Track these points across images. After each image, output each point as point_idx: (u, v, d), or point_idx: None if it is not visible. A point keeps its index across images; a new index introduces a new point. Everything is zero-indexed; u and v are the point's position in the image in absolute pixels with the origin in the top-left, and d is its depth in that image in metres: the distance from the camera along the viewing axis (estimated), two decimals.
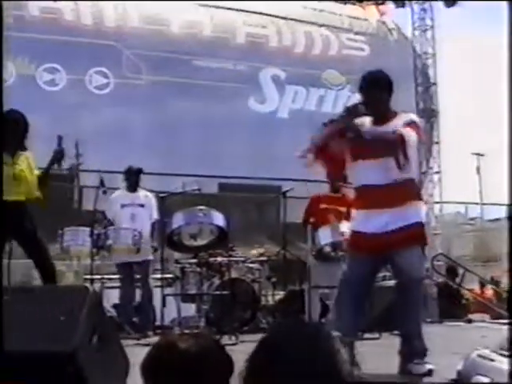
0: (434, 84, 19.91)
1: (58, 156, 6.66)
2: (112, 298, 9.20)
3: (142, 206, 9.12)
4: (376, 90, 5.04)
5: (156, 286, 8.96)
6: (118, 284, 9.31)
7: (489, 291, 14.28)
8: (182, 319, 8.61)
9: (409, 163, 4.84)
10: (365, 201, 5.12)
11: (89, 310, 3.63)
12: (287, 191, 9.30)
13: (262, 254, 10.49)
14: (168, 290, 9.10)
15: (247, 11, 17.82)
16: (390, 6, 19.40)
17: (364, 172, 5.06)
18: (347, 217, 6.77)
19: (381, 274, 12.34)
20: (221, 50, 17.40)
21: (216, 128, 16.31)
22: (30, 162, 6.64)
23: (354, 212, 5.34)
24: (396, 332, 8.19)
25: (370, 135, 4.98)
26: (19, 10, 15.58)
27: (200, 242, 8.07)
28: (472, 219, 26.45)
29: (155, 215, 9.06)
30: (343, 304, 5.26)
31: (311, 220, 8.39)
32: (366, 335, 7.84)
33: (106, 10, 16.51)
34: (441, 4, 19.22)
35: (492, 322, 10.09)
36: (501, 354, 1.66)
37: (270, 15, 18.24)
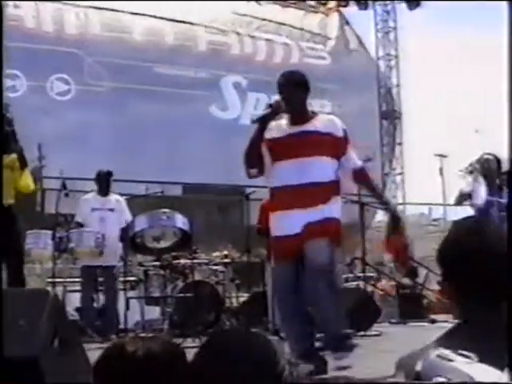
0: (397, 86, 20.12)
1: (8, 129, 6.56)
2: (75, 301, 9.14)
3: (111, 210, 9.03)
4: (292, 87, 5.00)
5: (119, 289, 8.92)
6: (80, 287, 9.24)
7: None
8: (145, 322, 8.59)
9: (326, 163, 4.89)
10: (281, 202, 5.01)
11: (50, 313, 3.60)
12: (250, 194, 9.30)
13: (225, 257, 10.50)
14: (131, 293, 9.09)
15: (207, 26, 17.93)
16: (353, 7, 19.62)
17: (281, 172, 4.97)
18: None
19: (344, 276, 12.47)
20: (182, 58, 17.45)
21: (178, 133, 16.33)
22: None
23: (270, 215, 5.16)
24: (360, 333, 8.31)
25: (288, 134, 4.96)
26: None
27: (163, 244, 8.04)
28: (435, 220, 26.65)
29: (128, 218, 8.88)
30: (285, 319, 5.19)
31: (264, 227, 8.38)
32: None
33: (68, 17, 16.43)
34: (404, 6, 19.44)
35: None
36: (460, 354, 1.68)
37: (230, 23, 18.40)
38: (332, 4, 19.71)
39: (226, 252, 10.67)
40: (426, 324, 10.47)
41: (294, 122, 5.04)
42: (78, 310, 9.06)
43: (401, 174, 19.88)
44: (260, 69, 17.71)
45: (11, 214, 6.54)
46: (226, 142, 15.61)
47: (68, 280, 9.03)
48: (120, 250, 8.78)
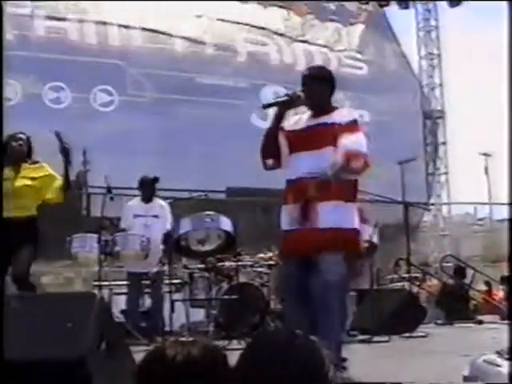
0: (440, 85, 19.96)
1: (65, 151, 6.61)
2: (120, 303, 9.20)
3: (156, 216, 9.04)
4: (316, 81, 4.98)
5: (165, 292, 8.96)
6: (126, 290, 9.30)
7: (499, 292, 14.24)
8: (190, 324, 8.64)
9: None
10: (296, 194, 4.84)
11: (96, 316, 3.63)
12: None
13: (270, 258, 10.47)
14: (177, 296, 9.12)
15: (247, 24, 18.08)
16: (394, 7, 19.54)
17: (298, 164, 4.86)
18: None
19: (389, 277, 12.41)
20: (222, 68, 17.67)
21: (220, 140, 16.45)
22: (40, 174, 6.64)
23: (283, 207, 4.96)
24: (406, 334, 8.26)
25: (307, 127, 4.89)
26: (24, 29, 15.93)
27: (208, 247, 8.05)
28: (481, 219, 26.42)
29: (168, 226, 8.90)
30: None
31: None
32: (375, 338, 7.85)
33: (110, 30, 16.77)
34: (445, 4, 19.30)
35: (503, 324, 10.05)
36: (507, 359, 1.65)
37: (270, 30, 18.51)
38: (371, 6, 19.70)
39: (270, 254, 10.64)
40: (472, 325, 10.38)
41: (314, 115, 4.98)
42: (123, 312, 9.12)
43: (445, 173, 19.70)
44: (299, 78, 17.79)
45: (20, 227, 6.39)
46: None
47: (114, 283, 9.09)
48: (161, 254, 8.85)
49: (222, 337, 7.81)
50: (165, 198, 9.47)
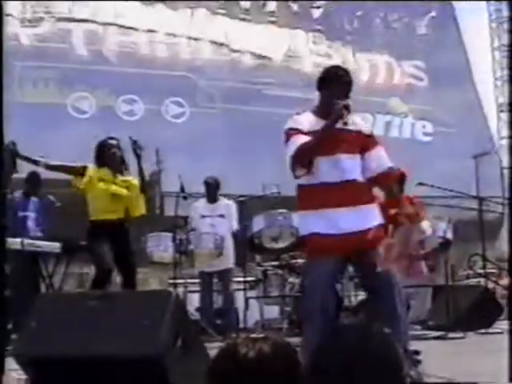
0: None
1: (138, 153, 7.03)
2: (195, 301, 9.28)
3: (221, 216, 9.12)
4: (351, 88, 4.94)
5: (239, 289, 9.02)
6: (199, 288, 9.39)
7: None
8: (264, 321, 8.68)
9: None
10: (327, 200, 4.72)
11: (172, 314, 3.69)
12: None
13: None
14: (251, 293, 9.16)
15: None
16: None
17: (324, 169, 4.74)
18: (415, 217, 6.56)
19: (464, 273, 12.24)
20: (290, 79, 17.75)
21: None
22: (132, 184, 7.14)
23: (309, 212, 4.84)
24: (482, 331, 8.15)
25: (342, 129, 4.72)
26: (97, 44, 16.37)
27: (281, 244, 8.08)
28: None
29: (235, 226, 9.03)
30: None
31: None
32: (451, 335, 7.77)
33: (180, 43, 17.17)
34: None
35: None
36: None
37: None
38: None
39: None
40: None
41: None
42: (198, 309, 9.20)
43: None
44: (363, 89, 17.75)
45: (115, 229, 6.98)
46: None
47: (189, 281, 9.17)
48: (232, 252, 8.94)
49: (295, 334, 7.81)
50: (239, 196, 9.53)
